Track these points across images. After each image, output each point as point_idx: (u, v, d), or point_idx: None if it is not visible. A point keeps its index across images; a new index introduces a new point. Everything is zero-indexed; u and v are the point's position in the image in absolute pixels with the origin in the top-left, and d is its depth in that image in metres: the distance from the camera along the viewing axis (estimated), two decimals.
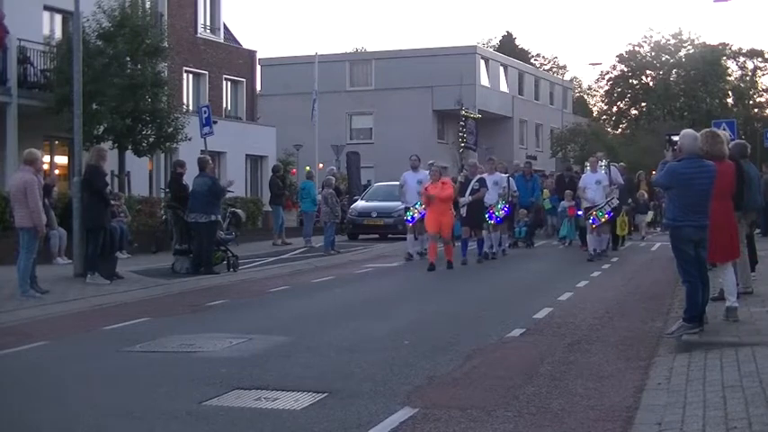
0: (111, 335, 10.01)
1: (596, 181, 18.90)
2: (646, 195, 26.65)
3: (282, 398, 6.74)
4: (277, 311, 11.98)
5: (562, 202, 23.40)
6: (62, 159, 24.87)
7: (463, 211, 18.12)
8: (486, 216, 18.80)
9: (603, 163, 19.59)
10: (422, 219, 18.23)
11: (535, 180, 24.05)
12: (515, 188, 21.11)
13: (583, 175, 20.34)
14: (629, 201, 22.98)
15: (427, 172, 18.83)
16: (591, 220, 18.57)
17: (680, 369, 7.44)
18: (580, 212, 20.53)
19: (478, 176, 18.41)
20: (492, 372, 7.71)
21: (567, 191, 23.01)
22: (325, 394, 6.79)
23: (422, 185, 18.07)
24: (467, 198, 18.02)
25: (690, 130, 9.08)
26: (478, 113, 50.31)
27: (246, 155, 33.79)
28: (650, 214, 27.43)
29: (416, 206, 18.77)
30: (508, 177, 20.70)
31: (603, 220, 18.54)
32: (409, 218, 19.38)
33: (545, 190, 26.07)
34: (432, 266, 16.47)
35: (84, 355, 8.92)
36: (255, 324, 10.54)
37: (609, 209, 18.61)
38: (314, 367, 7.84)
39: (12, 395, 7.14)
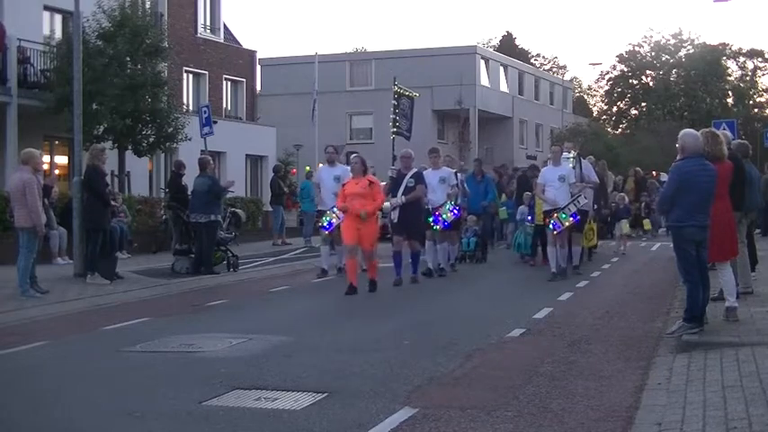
0: (111, 335, 10.02)
1: (559, 177, 14.71)
2: (627, 199, 22.69)
3: (282, 398, 6.73)
4: (277, 311, 11.98)
5: (520, 208, 19.33)
6: (62, 159, 24.90)
7: (394, 215, 14.25)
8: (431, 220, 15.05)
9: (572, 155, 15.78)
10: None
11: (487, 181, 19.80)
12: (466, 188, 17.28)
13: (542, 170, 15.88)
14: (599, 205, 18.57)
15: (347, 167, 14.92)
16: (551, 225, 14.52)
17: (680, 369, 7.44)
18: (530, 218, 17.12)
19: (414, 171, 14.52)
20: (492, 372, 7.71)
21: (526, 193, 18.82)
22: (326, 394, 6.79)
23: (340, 183, 14.33)
24: (399, 199, 14.12)
25: (690, 130, 9.08)
26: (478, 113, 50.90)
27: (246, 155, 33.81)
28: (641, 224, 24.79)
29: (335, 210, 14.46)
30: (456, 174, 16.37)
31: (567, 224, 14.51)
32: (325, 224, 15.11)
33: (503, 193, 21.88)
34: (351, 289, 12.88)
35: (84, 355, 8.92)
36: (255, 324, 10.54)
37: (574, 210, 14.56)
38: (314, 367, 7.84)
39: (12, 395, 7.14)
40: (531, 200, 17.68)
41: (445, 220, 15.19)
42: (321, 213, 15.55)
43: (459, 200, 16.10)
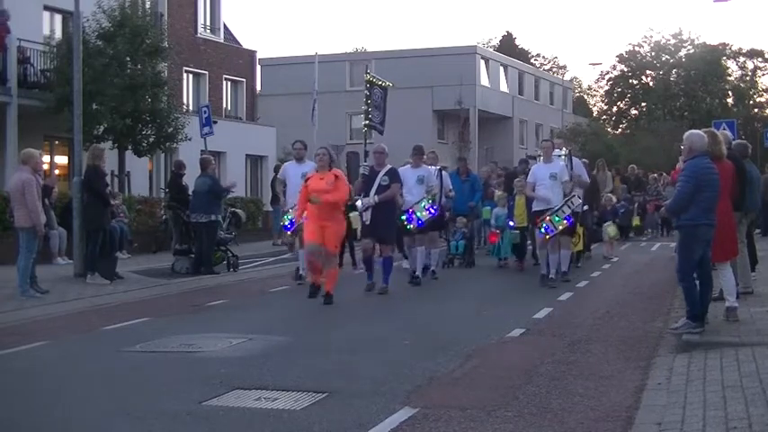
0: (111, 335, 10.02)
1: (551, 174, 13.67)
2: (614, 200, 21.27)
3: (282, 398, 6.73)
4: (277, 311, 11.98)
5: (495, 210, 17.94)
6: (62, 159, 24.90)
7: (366, 216, 13.11)
8: (404, 219, 13.92)
9: (562, 152, 14.88)
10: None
11: (474, 180, 18.29)
12: (450, 185, 15.92)
13: (532, 168, 14.57)
14: (590, 206, 17.48)
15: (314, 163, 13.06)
16: (544, 229, 13.50)
17: (680, 369, 7.44)
18: (512, 223, 16.16)
19: (388, 168, 13.24)
20: (492, 372, 7.71)
21: (503, 193, 17.61)
22: (325, 394, 6.79)
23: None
24: (371, 198, 12.94)
25: (695, 131, 9.12)
26: (478, 113, 50.88)
27: (246, 155, 33.80)
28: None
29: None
30: (440, 171, 15.30)
31: (561, 227, 13.49)
32: (287, 223, 14.05)
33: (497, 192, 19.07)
34: (314, 290, 12.18)
35: (85, 355, 8.92)
36: (255, 324, 10.53)
37: (568, 212, 13.54)
38: (314, 367, 7.84)
39: (12, 395, 7.14)
40: (510, 200, 16.77)
41: (419, 218, 13.95)
42: (284, 213, 14.38)
43: (441, 199, 14.93)
